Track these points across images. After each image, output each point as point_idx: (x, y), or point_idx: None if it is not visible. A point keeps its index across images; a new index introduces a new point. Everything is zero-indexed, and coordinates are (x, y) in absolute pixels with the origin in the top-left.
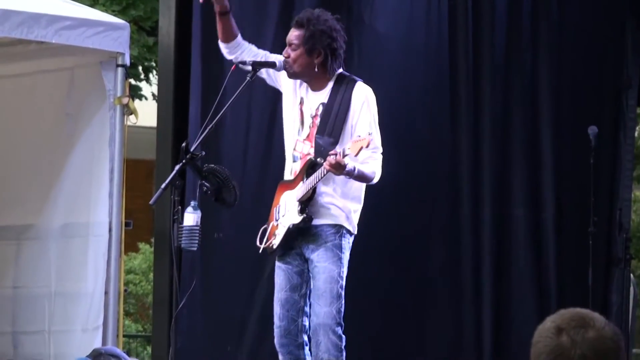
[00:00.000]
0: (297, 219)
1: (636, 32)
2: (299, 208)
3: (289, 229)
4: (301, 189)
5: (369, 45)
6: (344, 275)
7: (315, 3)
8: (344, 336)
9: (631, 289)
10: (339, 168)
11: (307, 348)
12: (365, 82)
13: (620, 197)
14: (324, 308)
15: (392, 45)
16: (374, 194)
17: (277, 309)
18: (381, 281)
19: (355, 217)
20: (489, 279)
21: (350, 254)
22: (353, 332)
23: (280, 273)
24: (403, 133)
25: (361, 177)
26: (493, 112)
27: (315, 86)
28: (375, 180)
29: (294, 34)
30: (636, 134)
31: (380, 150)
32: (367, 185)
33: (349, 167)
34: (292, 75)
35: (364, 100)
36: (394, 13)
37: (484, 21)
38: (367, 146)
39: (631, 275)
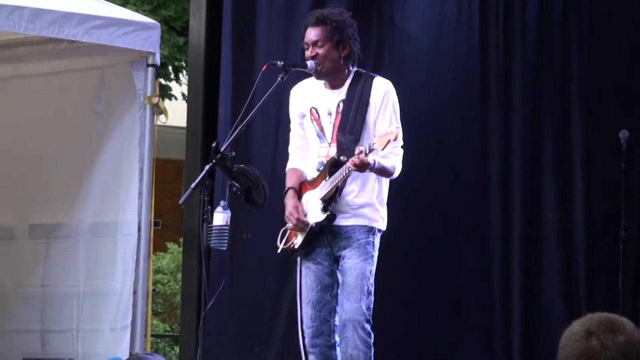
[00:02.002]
0: (321, 217)
1: None
2: (322, 206)
3: (311, 228)
4: (324, 187)
5: (399, 46)
6: (374, 273)
7: (346, 5)
8: (372, 333)
9: None
10: (363, 167)
11: (338, 349)
12: (396, 84)
13: None
14: (353, 304)
15: (423, 47)
16: (403, 197)
17: (308, 310)
18: (410, 286)
19: (384, 213)
20: (518, 284)
21: (379, 259)
22: (380, 337)
23: (310, 274)
24: (433, 135)
25: (381, 170)
26: (524, 115)
27: (335, 83)
28: (396, 175)
29: (314, 33)
30: None
31: (401, 144)
32: (396, 188)
33: (371, 162)
34: (322, 74)
35: (383, 94)
36: (425, 14)
37: (515, 23)
38: (395, 139)
39: None
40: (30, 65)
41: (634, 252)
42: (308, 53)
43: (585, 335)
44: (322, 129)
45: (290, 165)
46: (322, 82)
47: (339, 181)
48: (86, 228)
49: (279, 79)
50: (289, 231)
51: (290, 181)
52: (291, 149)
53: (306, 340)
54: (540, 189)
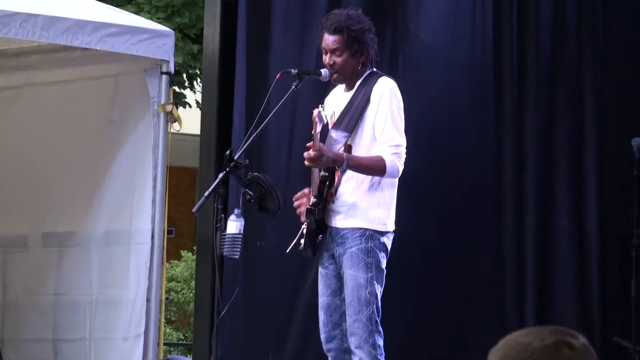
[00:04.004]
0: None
1: None
2: (312, 202)
3: (309, 227)
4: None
5: (413, 54)
6: (377, 279)
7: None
8: (380, 343)
9: None
10: (316, 160)
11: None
12: (410, 90)
13: None
14: (352, 317)
15: (437, 54)
16: (416, 202)
17: (320, 315)
18: (423, 289)
19: (386, 216)
20: (531, 289)
21: (391, 261)
22: (392, 340)
23: (321, 279)
24: (447, 142)
25: (359, 167)
26: (537, 122)
27: (350, 85)
28: (390, 174)
29: (332, 40)
30: None
31: (397, 143)
32: (409, 193)
33: (329, 153)
34: (340, 79)
35: (382, 92)
36: (439, 22)
37: (529, 30)
38: (318, 121)
39: None
40: (44, 73)
41: None
42: (326, 59)
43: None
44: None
45: None
46: (344, 86)
47: (317, 178)
48: (99, 236)
49: (293, 86)
50: (300, 233)
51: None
52: None
53: (323, 345)
54: (553, 196)
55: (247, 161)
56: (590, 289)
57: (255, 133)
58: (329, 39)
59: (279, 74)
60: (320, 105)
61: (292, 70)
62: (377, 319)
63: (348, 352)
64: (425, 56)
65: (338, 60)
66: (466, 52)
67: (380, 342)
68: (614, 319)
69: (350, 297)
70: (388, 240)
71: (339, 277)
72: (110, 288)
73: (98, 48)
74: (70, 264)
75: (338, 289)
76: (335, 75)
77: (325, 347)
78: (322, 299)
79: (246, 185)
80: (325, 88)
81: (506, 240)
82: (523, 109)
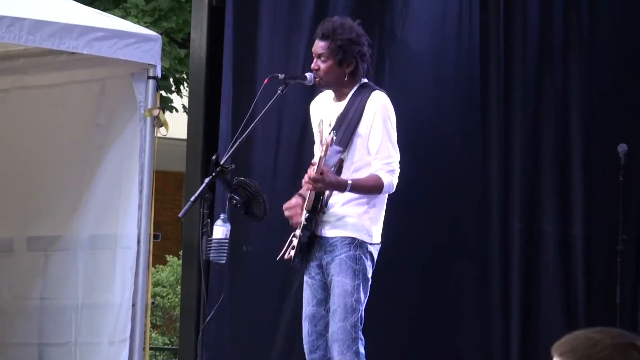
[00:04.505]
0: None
1: None
2: (306, 216)
3: (300, 238)
4: (307, 197)
5: (400, 60)
6: (363, 287)
7: (348, 16)
8: (362, 351)
9: None
10: (316, 182)
11: None
12: (397, 96)
13: None
14: (338, 323)
15: (424, 60)
16: (403, 206)
17: (304, 325)
18: (409, 294)
19: (375, 227)
20: (517, 295)
21: (378, 266)
22: (379, 345)
23: (307, 288)
24: (434, 148)
25: (360, 189)
26: (524, 128)
27: (340, 96)
28: (388, 191)
29: (320, 45)
30: None
31: (393, 160)
32: (396, 197)
33: (332, 179)
34: (323, 85)
35: (376, 109)
36: (425, 28)
37: (515, 36)
38: (330, 144)
39: None
40: (30, 77)
41: (631, 265)
42: (312, 64)
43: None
44: (321, 141)
45: None
46: (333, 94)
47: (312, 194)
48: (85, 240)
49: (279, 91)
50: (289, 241)
51: (302, 190)
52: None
53: (306, 355)
54: (539, 202)
55: (233, 166)
56: (576, 294)
57: (241, 138)
58: (317, 44)
59: (266, 79)
60: (333, 132)
61: (280, 75)
62: (360, 326)
63: None
64: (412, 61)
65: (322, 66)
66: (453, 56)
67: (362, 349)
68: (599, 325)
69: (336, 304)
70: (375, 251)
71: (325, 287)
72: (96, 292)
73: (85, 52)
74: (56, 268)
75: (324, 299)
76: (318, 80)
77: (308, 357)
78: (307, 308)
79: (232, 190)
80: (311, 92)
81: (492, 245)
82: (509, 114)
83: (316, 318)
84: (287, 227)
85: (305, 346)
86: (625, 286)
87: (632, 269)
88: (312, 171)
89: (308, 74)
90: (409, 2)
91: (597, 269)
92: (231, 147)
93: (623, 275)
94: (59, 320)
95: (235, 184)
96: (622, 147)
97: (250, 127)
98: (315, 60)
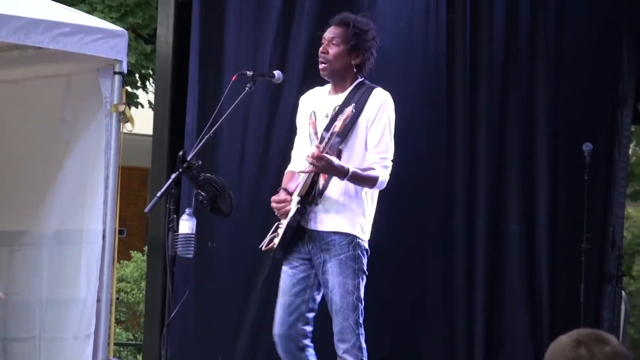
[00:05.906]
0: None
1: (632, 49)
2: (298, 200)
3: (289, 226)
4: (300, 184)
5: None
6: (362, 283)
7: (315, 18)
8: (364, 345)
9: (622, 305)
10: (319, 160)
11: (309, 349)
12: None
13: (613, 214)
14: (342, 323)
15: (391, 58)
16: None
17: (278, 313)
18: (376, 290)
19: (367, 222)
20: (481, 293)
21: None
22: None
23: (286, 278)
24: (400, 145)
25: (359, 179)
26: (489, 126)
27: (338, 88)
28: (380, 187)
29: (334, 31)
30: (630, 151)
31: (389, 157)
32: None
33: (335, 163)
34: (327, 71)
35: (380, 105)
36: (392, 27)
37: (482, 36)
38: (347, 120)
39: (622, 292)
40: None
41: (595, 264)
42: (321, 48)
43: (574, 344)
44: (315, 132)
45: (289, 168)
46: (328, 88)
47: (308, 175)
48: (50, 236)
49: (247, 88)
50: (273, 230)
51: (284, 182)
52: (293, 152)
53: (277, 347)
54: (504, 200)
55: (199, 162)
56: (540, 292)
57: (208, 134)
58: (332, 30)
59: (235, 76)
60: (352, 105)
61: (248, 73)
62: (361, 320)
63: (304, 350)
64: (379, 59)
65: (332, 50)
66: (420, 56)
67: (364, 343)
68: (563, 323)
69: (339, 305)
70: (366, 245)
71: (306, 279)
72: (61, 287)
73: (51, 47)
74: (21, 264)
75: (302, 290)
76: (323, 65)
77: (280, 347)
78: (284, 298)
79: (199, 186)
80: (277, 90)
81: (457, 243)
82: (475, 112)
83: (290, 308)
84: (253, 223)
85: (276, 334)
86: (589, 285)
87: (596, 267)
88: (316, 150)
89: (276, 72)
90: (376, 2)
91: (561, 267)
92: (198, 143)
93: (587, 274)
94: (24, 315)
95: (201, 180)
96: (587, 147)
97: (217, 124)
98: (325, 44)
